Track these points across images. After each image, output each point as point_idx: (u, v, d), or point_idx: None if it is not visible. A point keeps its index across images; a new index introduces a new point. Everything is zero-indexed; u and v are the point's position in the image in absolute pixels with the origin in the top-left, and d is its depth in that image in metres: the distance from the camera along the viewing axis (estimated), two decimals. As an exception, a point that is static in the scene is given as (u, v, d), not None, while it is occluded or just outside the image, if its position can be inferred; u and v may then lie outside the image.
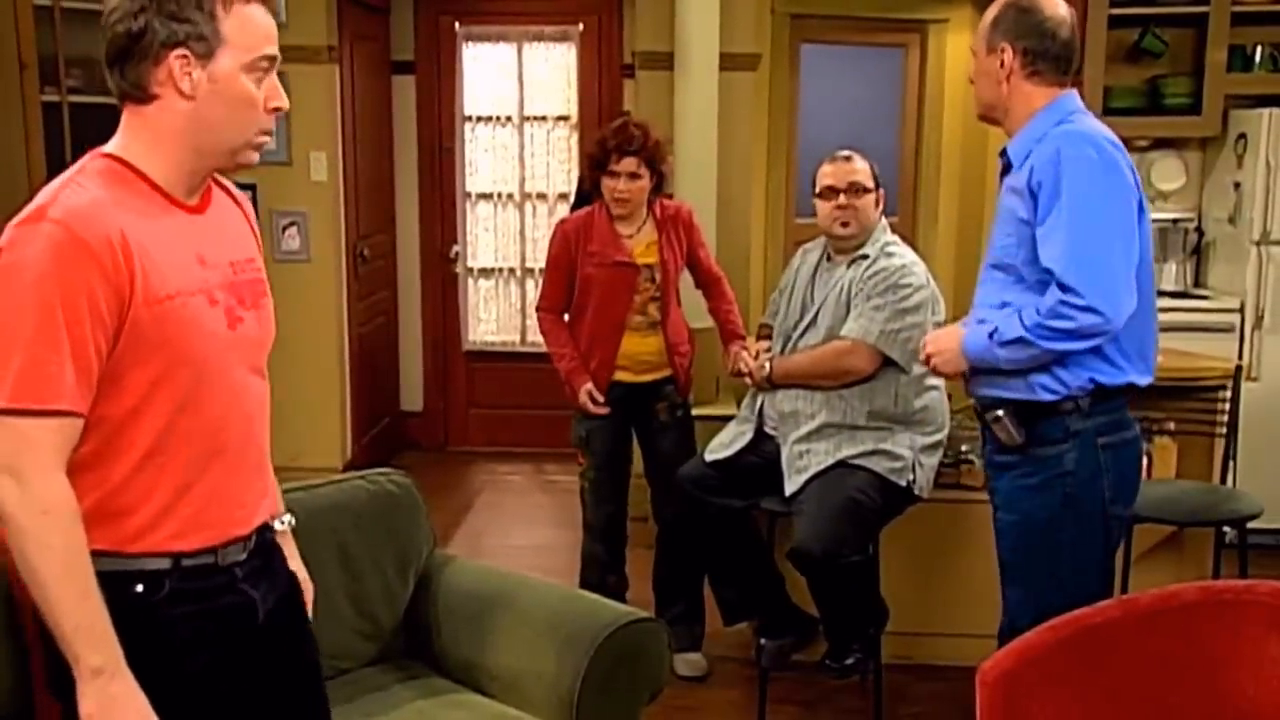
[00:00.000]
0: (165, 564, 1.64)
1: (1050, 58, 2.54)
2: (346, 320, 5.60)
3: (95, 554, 1.56)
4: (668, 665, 2.65)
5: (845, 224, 3.45)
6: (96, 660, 1.54)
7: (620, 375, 3.79)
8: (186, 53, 1.59)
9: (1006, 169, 2.60)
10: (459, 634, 2.67)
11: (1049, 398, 2.51)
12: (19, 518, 1.51)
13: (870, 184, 3.47)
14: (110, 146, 1.65)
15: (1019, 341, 2.45)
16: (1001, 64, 2.55)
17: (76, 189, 1.56)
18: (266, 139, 1.67)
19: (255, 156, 1.69)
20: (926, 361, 2.73)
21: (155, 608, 1.64)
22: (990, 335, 2.50)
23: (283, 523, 1.93)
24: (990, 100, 2.62)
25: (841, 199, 3.44)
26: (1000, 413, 2.56)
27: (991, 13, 2.58)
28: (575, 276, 3.78)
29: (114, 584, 1.59)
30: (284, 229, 5.32)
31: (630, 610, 2.63)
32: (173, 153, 1.63)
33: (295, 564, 1.96)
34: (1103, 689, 2.09)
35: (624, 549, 3.95)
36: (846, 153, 3.53)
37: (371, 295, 5.98)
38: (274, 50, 1.65)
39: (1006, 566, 2.69)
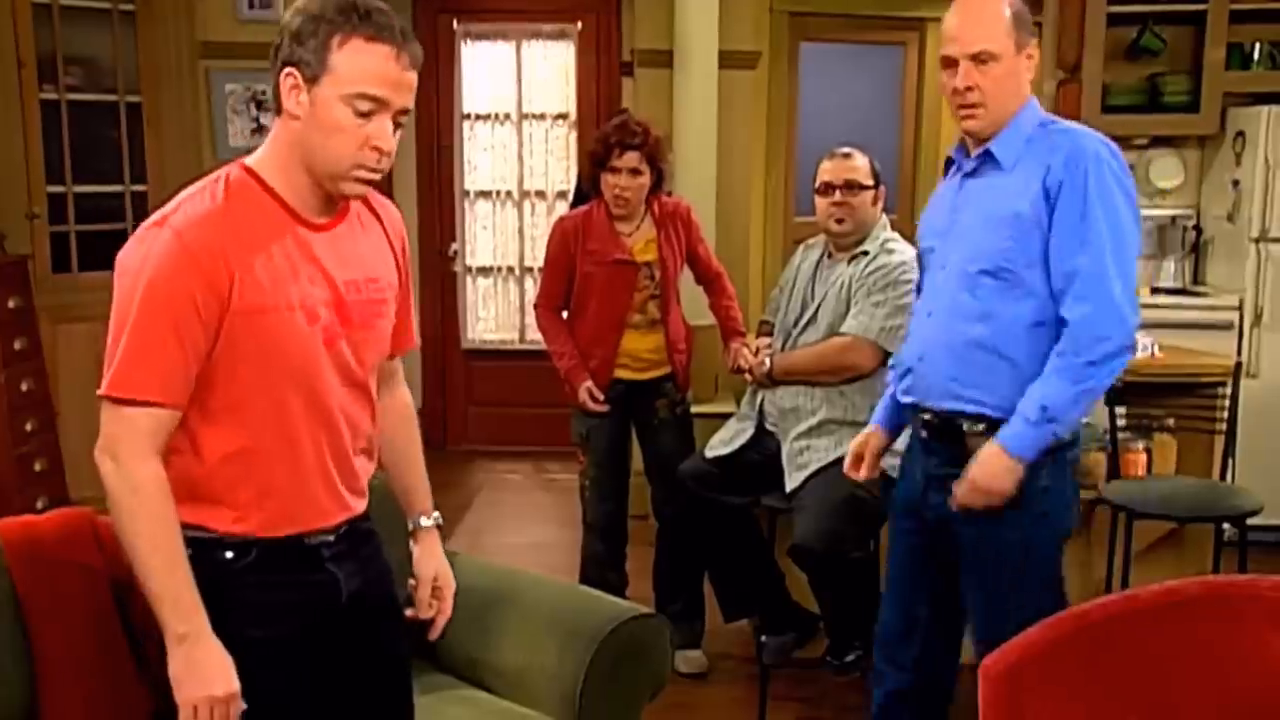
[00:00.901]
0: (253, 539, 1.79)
1: None
2: (345, 318, 5.59)
3: (185, 526, 1.72)
4: (670, 661, 2.65)
5: (840, 220, 3.46)
6: (182, 628, 1.68)
7: (620, 373, 3.78)
8: (295, 73, 1.70)
9: (973, 170, 2.46)
10: (461, 630, 2.64)
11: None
12: (114, 493, 1.69)
13: (868, 181, 3.47)
14: (251, 157, 1.79)
15: (1081, 396, 2.31)
16: (1028, 65, 2.41)
17: (200, 199, 1.72)
18: (366, 173, 1.73)
19: (358, 188, 1.76)
20: (968, 505, 2.41)
21: (242, 574, 1.77)
22: (1044, 419, 2.30)
23: (428, 520, 2.08)
24: (1012, 107, 2.40)
25: (838, 195, 3.45)
26: (982, 427, 2.40)
27: (1005, 10, 2.38)
28: (574, 274, 3.78)
29: (203, 549, 1.74)
30: (283, 227, 5.31)
31: (632, 606, 2.64)
32: (290, 168, 1.75)
33: (435, 561, 2.07)
34: (1104, 684, 2.09)
35: (624, 547, 3.95)
36: (846, 150, 3.53)
37: (370, 293, 5.97)
38: (382, 93, 1.69)
39: (976, 583, 2.51)
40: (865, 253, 3.46)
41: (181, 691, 1.69)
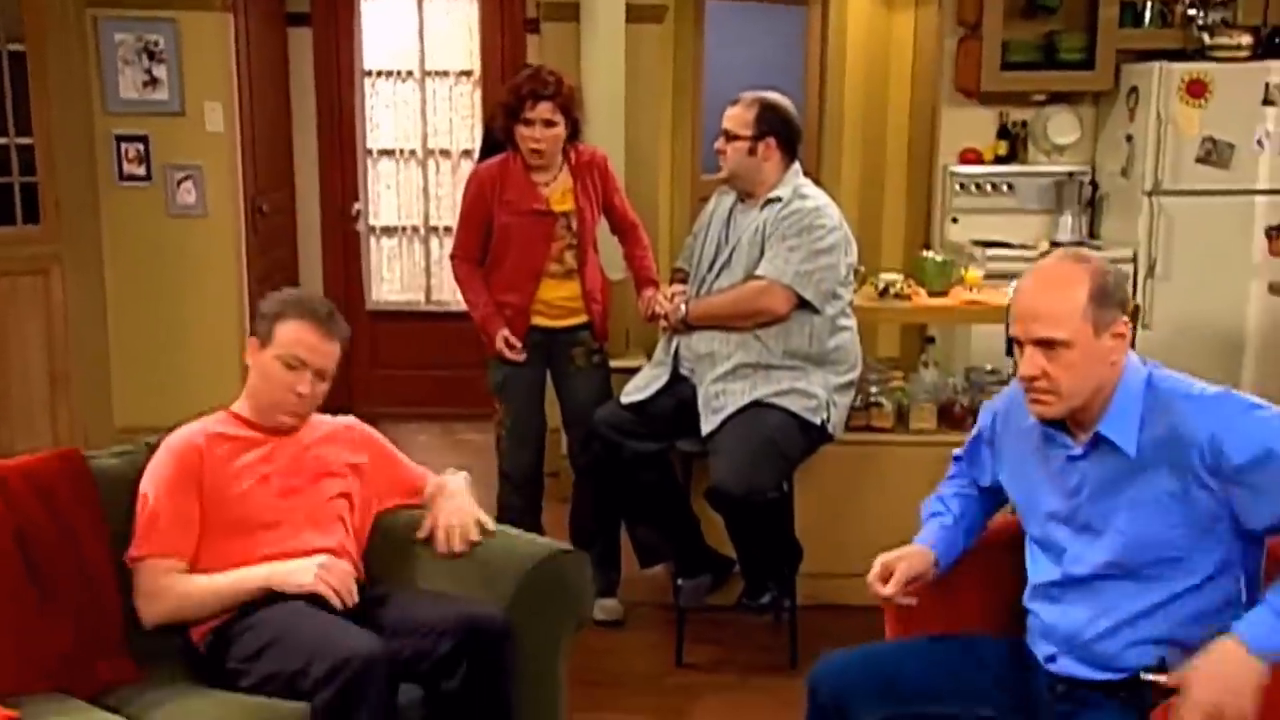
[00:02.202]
0: None
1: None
2: (246, 278, 5.45)
3: None
4: (592, 596, 2.64)
5: (720, 167, 3.51)
6: (270, 582, 2.41)
7: (536, 320, 3.76)
8: (255, 338, 2.56)
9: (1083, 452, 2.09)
10: (382, 573, 2.63)
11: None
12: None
13: (743, 131, 3.44)
14: (238, 403, 2.63)
15: None
16: (1115, 344, 2.05)
17: (194, 425, 2.59)
18: (286, 408, 2.55)
19: (280, 418, 2.56)
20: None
21: None
22: None
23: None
24: (1093, 386, 2.05)
25: (719, 142, 3.48)
26: (1165, 672, 1.98)
27: (1082, 291, 2.01)
28: (491, 225, 3.73)
29: None
30: (179, 182, 5.14)
31: (552, 543, 2.62)
32: (249, 399, 2.60)
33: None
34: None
35: (540, 498, 3.93)
36: (741, 96, 3.53)
37: (271, 252, 5.82)
38: (305, 356, 2.52)
39: None
40: (779, 198, 3.47)
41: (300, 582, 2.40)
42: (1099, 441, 2.06)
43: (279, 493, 2.52)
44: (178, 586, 2.40)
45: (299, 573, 2.38)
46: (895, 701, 2.16)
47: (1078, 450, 2.10)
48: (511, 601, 2.46)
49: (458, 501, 2.64)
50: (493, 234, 3.73)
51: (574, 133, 3.72)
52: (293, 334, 2.50)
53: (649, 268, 3.88)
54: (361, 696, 2.15)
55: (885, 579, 2.21)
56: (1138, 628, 2.05)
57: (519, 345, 3.71)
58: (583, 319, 3.81)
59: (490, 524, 2.62)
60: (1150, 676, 2.01)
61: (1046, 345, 2.02)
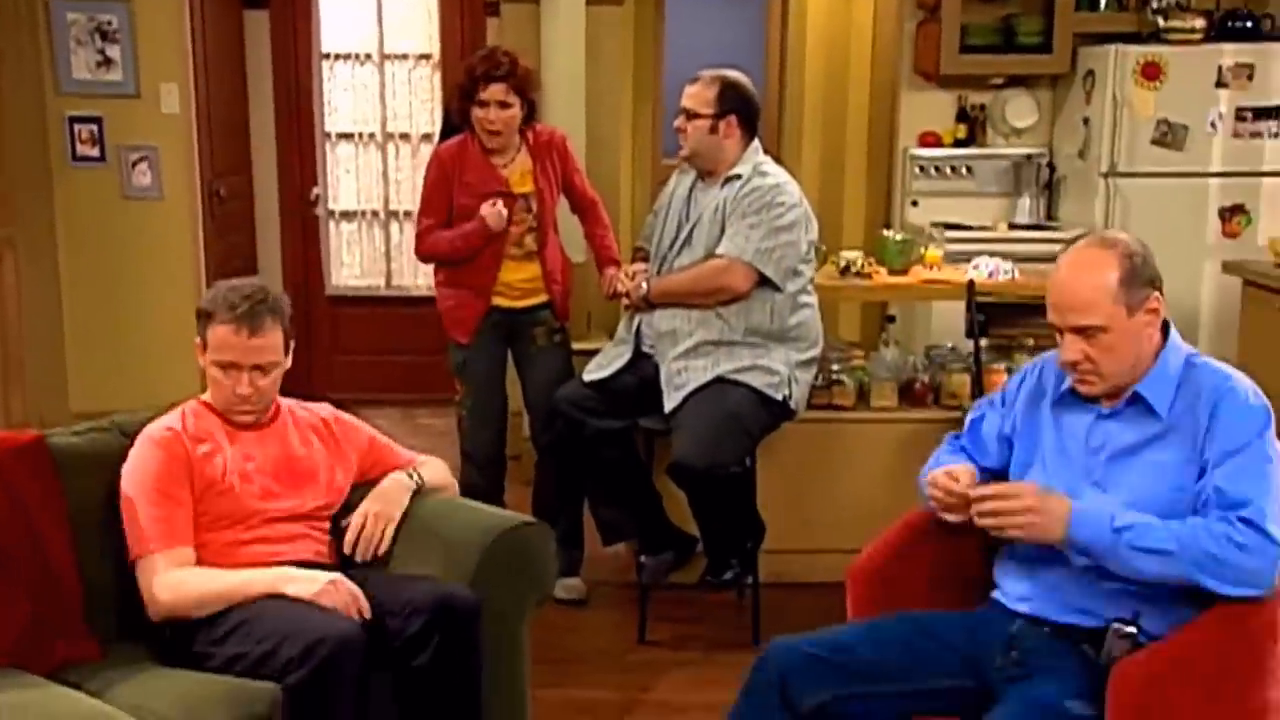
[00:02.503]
0: None
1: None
2: (204, 262, 5.40)
3: None
4: (555, 568, 2.64)
5: (680, 148, 3.52)
6: (275, 589, 2.33)
7: (497, 300, 3.75)
8: (200, 343, 2.53)
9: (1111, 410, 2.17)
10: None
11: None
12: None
13: (703, 110, 3.44)
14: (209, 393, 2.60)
15: (1165, 555, 2.00)
16: (1149, 319, 2.14)
17: (171, 416, 2.57)
18: (236, 409, 2.54)
19: (246, 418, 2.56)
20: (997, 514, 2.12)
21: None
22: (1117, 530, 2.03)
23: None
24: (1135, 360, 2.14)
25: (679, 120, 3.48)
26: (1135, 630, 2.06)
27: (1112, 275, 2.10)
28: (451, 206, 3.71)
29: None
30: (134, 164, 5.09)
31: (515, 515, 2.62)
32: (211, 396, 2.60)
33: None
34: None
35: (503, 478, 3.92)
36: (699, 74, 3.53)
37: (228, 237, 5.77)
38: (234, 358, 2.49)
39: None
40: (739, 176, 3.47)
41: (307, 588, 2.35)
42: (1134, 401, 2.15)
43: (262, 490, 2.52)
44: (187, 582, 2.36)
45: (307, 584, 2.33)
46: (843, 682, 2.16)
47: (1108, 410, 2.18)
48: (475, 573, 2.46)
49: (378, 506, 2.60)
50: (452, 216, 3.71)
51: (530, 114, 3.71)
52: (219, 339, 2.48)
53: (610, 246, 3.88)
54: (336, 678, 2.13)
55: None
56: (1117, 579, 2.08)
57: (500, 204, 3.61)
58: (543, 299, 3.80)
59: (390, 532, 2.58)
60: (1121, 627, 2.05)
61: (1084, 331, 2.10)
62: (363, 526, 2.55)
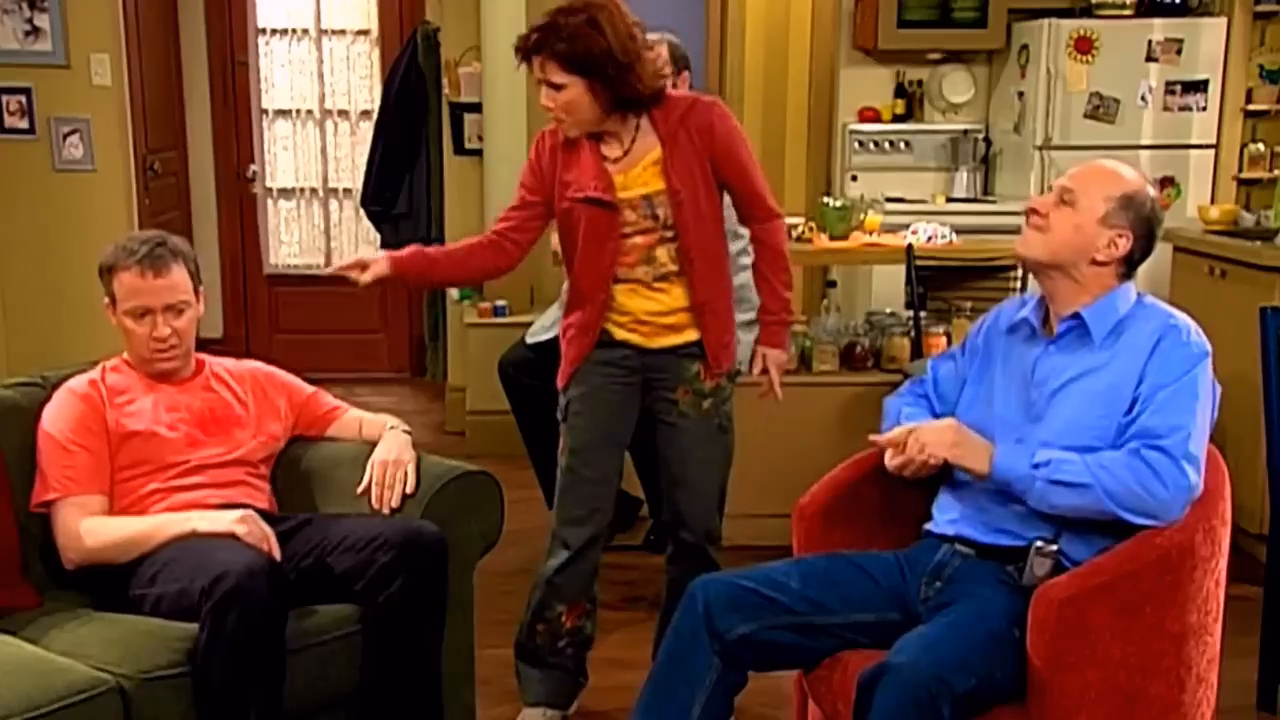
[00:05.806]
0: None
1: None
2: (137, 237, 5.31)
3: None
4: (501, 516, 2.64)
5: None
6: (186, 528, 2.34)
7: (625, 335, 2.80)
8: (109, 301, 2.54)
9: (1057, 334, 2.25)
10: (292, 497, 2.63)
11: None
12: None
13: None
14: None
15: (1080, 488, 2.06)
16: (1106, 251, 2.22)
17: (93, 371, 2.60)
18: (157, 355, 2.54)
19: (159, 365, 2.55)
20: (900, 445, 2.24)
21: None
22: (1035, 465, 2.09)
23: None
24: (1069, 256, 2.23)
25: None
26: (1056, 547, 2.12)
27: (1119, 189, 2.21)
28: (550, 208, 2.77)
29: None
30: (65, 136, 4.98)
31: (461, 464, 2.61)
32: (130, 356, 2.59)
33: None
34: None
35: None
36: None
37: (163, 213, 5.68)
38: (144, 302, 2.50)
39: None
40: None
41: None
42: (1076, 325, 2.21)
43: (187, 437, 2.52)
44: (101, 530, 2.37)
45: (216, 521, 2.35)
46: (770, 614, 2.19)
47: (1054, 337, 2.25)
48: (424, 514, 2.47)
49: (393, 455, 2.60)
50: (557, 220, 2.79)
51: (625, 94, 2.62)
52: (125, 286, 2.49)
53: (781, 296, 2.95)
54: (240, 604, 2.11)
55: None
56: None
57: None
58: (691, 337, 2.81)
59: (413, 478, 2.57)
60: (1043, 545, 2.10)
61: (1063, 194, 2.22)
62: (380, 480, 2.53)
